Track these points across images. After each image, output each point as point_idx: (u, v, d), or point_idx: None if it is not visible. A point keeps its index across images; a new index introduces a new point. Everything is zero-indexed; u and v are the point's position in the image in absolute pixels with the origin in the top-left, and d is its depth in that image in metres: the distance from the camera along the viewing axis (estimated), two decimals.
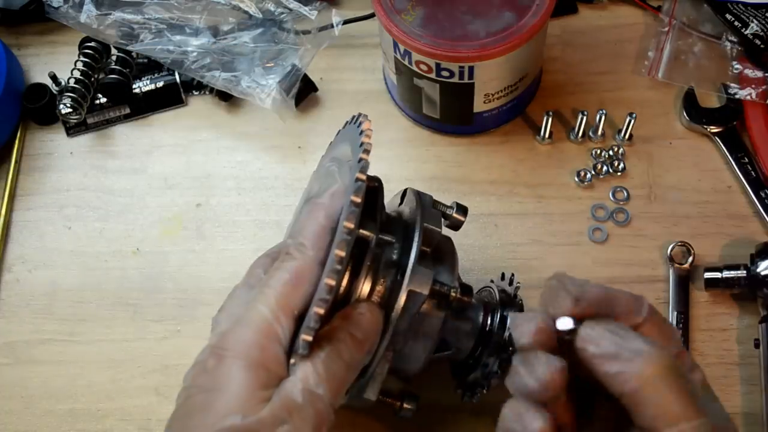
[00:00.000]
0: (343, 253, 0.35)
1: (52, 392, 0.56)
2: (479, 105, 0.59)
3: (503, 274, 0.50)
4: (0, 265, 0.61)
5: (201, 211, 0.62)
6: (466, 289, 0.46)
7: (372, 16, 0.64)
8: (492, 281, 0.50)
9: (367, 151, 0.38)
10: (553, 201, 0.60)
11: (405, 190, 0.47)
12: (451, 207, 0.47)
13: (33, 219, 0.63)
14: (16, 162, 0.64)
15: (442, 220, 0.46)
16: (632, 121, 0.60)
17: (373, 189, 0.42)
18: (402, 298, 0.40)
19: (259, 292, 0.38)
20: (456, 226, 0.47)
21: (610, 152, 0.61)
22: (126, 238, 0.61)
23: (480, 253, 0.58)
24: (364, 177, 0.37)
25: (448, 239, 0.47)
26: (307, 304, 0.37)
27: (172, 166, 0.64)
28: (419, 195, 0.45)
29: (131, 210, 0.62)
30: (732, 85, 0.62)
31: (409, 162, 0.63)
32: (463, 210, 0.47)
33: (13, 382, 0.56)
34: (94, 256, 0.61)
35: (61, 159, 0.65)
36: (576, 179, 0.60)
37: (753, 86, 0.62)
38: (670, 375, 0.32)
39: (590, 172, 0.60)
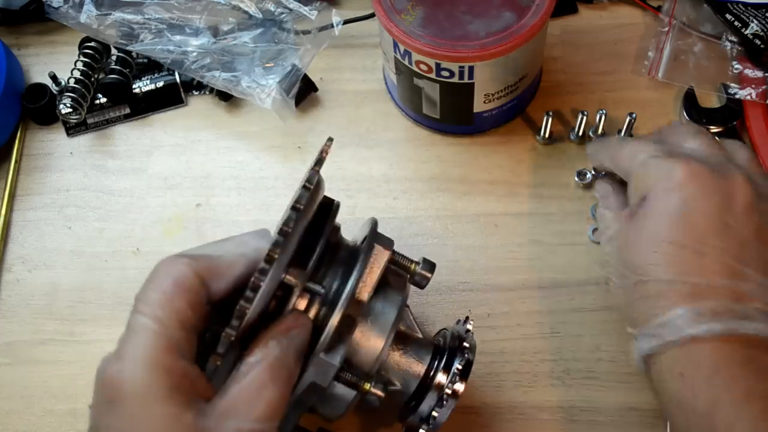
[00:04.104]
0: (261, 283, 0.34)
1: (52, 392, 0.56)
2: (479, 105, 0.59)
3: (465, 319, 0.48)
4: (0, 265, 0.61)
5: (201, 211, 0.62)
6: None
7: (372, 16, 0.64)
8: (447, 328, 0.48)
9: (319, 163, 0.37)
10: (553, 201, 0.60)
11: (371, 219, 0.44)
12: (417, 262, 0.44)
13: (33, 219, 0.63)
14: (16, 162, 0.64)
15: (407, 277, 0.44)
16: (632, 121, 0.60)
17: (324, 208, 0.40)
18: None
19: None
20: (420, 284, 0.44)
21: None
22: (126, 238, 0.61)
23: (480, 253, 0.58)
24: (310, 186, 0.36)
25: (401, 277, 0.44)
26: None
27: (172, 166, 0.64)
28: (374, 235, 0.42)
29: (131, 210, 0.62)
30: (732, 85, 0.62)
31: (409, 162, 0.63)
32: (429, 266, 0.43)
33: (13, 382, 0.56)
34: (94, 256, 0.61)
35: (61, 159, 0.65)
36: (576, 179, 0.60)
37: (753, 86, 0.62)
38: None
39: (590, 172, 0.60)
